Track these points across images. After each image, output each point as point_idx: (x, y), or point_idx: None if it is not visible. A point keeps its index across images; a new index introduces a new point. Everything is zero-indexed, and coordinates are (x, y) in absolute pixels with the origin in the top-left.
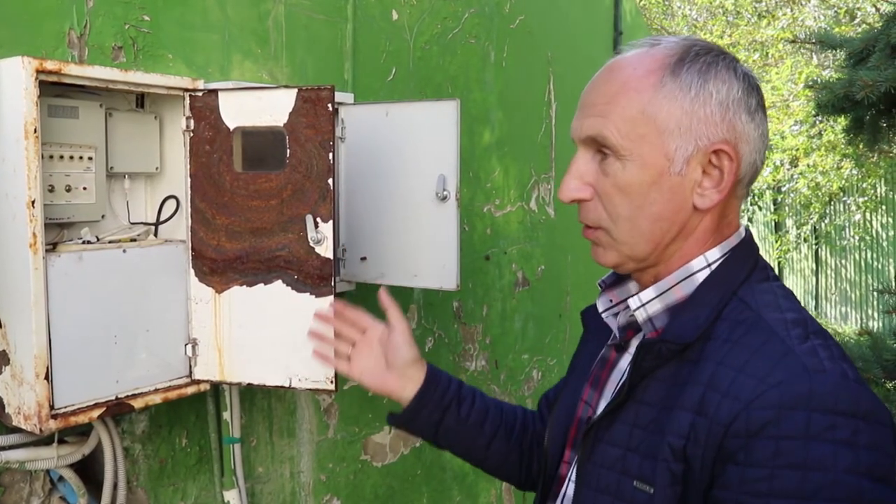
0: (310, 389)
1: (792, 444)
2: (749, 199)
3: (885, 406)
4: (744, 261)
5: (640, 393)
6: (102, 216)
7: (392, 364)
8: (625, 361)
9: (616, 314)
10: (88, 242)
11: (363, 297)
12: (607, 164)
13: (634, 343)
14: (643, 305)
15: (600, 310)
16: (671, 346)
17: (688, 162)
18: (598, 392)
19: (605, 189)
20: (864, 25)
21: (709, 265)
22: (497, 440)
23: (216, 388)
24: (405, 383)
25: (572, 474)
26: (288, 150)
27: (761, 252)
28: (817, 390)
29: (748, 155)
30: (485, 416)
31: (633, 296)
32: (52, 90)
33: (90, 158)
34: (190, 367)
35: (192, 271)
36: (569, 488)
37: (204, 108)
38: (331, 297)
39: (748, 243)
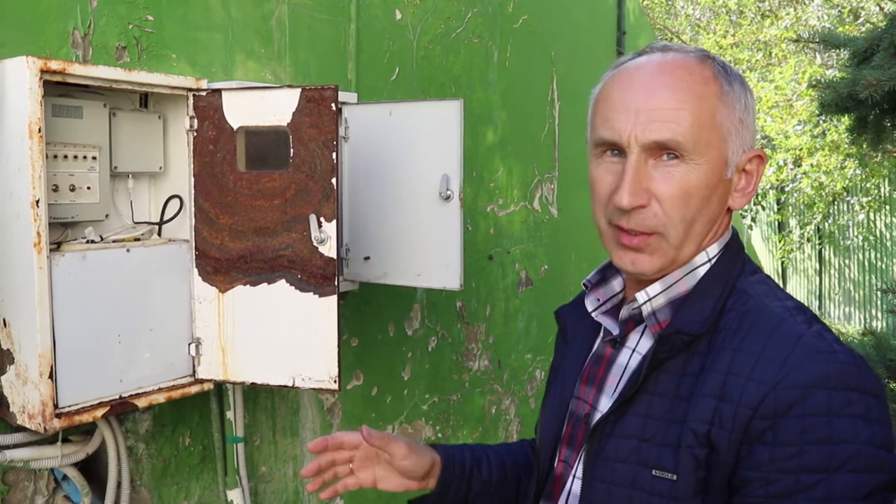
0: (313, 389)
1: (817, 420)
2: (753, 198)
3: (882, 382)
4: (736, 255)
5: (651, 385)
6: (106, 216)
7: (412, 477)
8: (624, 356)
9: (607, 311)
10: (92, 242)
11: (366, 296)
12: (672, 168)
13: (633, 337)
14: (650, 300)
15: (590, 308)
16: (684, 337)
17: (735, 166)
18: (596, 388)
19: (668, 193)
20: (867, 25)
21: (709, 260)
22: (522, 483)
23: (220, 387)
24: (428, 480)
25: (577, 471)
26: (291, 150)
27: (765, 252)
28: (833, 370)
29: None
30: (504, 468)
31: (619, 293)
32: (57, 90)
33: (94, 158)
34: (193, 366)
35: (195, 271)
36: (574, 485)
37: (208, 108)
38: (334, 297)
39: (736, 239)
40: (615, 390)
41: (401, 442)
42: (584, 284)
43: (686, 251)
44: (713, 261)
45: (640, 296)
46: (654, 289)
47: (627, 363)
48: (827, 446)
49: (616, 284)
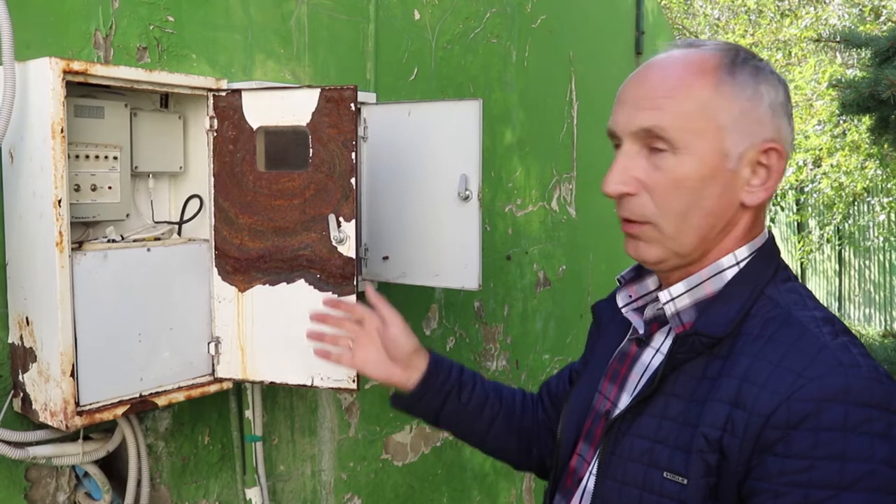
0: (331, 388)
1: (831, 435)
2: (772, 199)
3: None
4: (769, 260)
5: (669, 385)
6: (127, 215)
7: (394, 357)
8: (647, 356)
9: (636, 309)
10: (113, 241)
11: (385, 296)
12: (660, 159)
13: (658, 337)
14: (673, 300)
15: (620, 304)
16: (704, 340)
17: (741, 159)
18: (618, 386)
19: (658, 183)
20: (889, 23)
21: (737, 263)
22: (496, 425)
23: (238, 386)
24: (410, 373)
25: (593, 468)
26: (311, 150)
27: (784, 253)
28: (854, 384)
29: (787, 156)
30: (484, 402)
31: (653, 291)
32: (79, 90)
33: (115, 158)
34: (213, 365)
35: (215, 270)
36: (589, 482)
37: (227, 108)
38: (353, 296)
39: (772, 244)
40: (635, 389)
41: (396, 314)
42: (618, 280)
43: (686, 243)
44: (742, 264)
45: (663, 295)
46: (677, 289)
47: (650, 363)
48: (839, 462)
49: (650, 282)
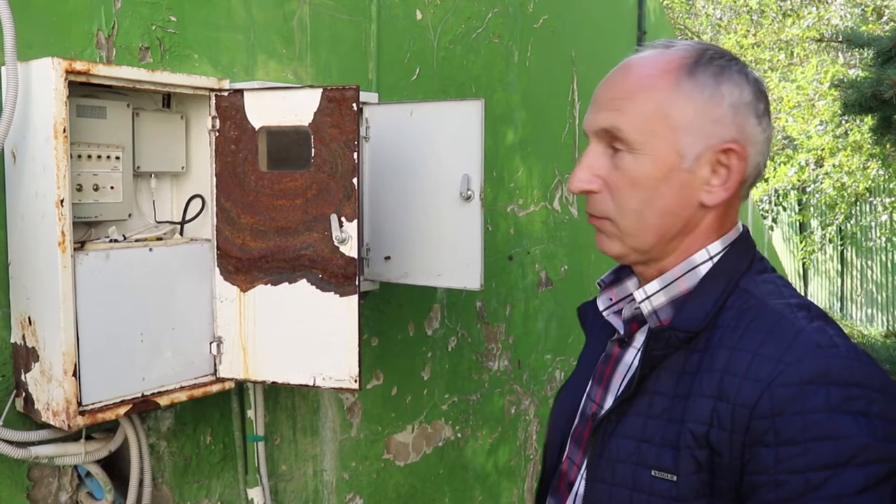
0: (333, 388)
1: (817, 417)
2: (774, 199)
3: (889, 377)
4: (743, 253)
5: (651, 384)
6: (129, 215)
7: None
8: (629, 356)
9: (618, 311)
10: (115, 241)
11: (386, 296)
12: (619, 158)
13: (638, 337)
14: (648, 298)
15: (601, 308)
16: (679, 334)
17: (698, 159)
18: (603, 388)
19: (616, 182)
20: (891, 24)
21: (711, 258)
22: None
23: (240, 386)
24: None
25: (583, 471)
26: (313, 150)
27: (786, 253)
28: (833, 365)
29: (754, 157)
30: None
31: (631, 293)
32: (81, 90)
33: (117, 158)
34: (215, 365)
35: (217, 270)
36: (580, 486)
37: (229, 108)
38: (355, 296)
39: (746, 237)
40: (619, 389)
41: None
42: (599, 284)
43: (644, 240)
44: (716, 258)
45: (638, 294)
46: (651, 287)
47: (632, 362)
48: (832, 441)
49: (630, 285)
